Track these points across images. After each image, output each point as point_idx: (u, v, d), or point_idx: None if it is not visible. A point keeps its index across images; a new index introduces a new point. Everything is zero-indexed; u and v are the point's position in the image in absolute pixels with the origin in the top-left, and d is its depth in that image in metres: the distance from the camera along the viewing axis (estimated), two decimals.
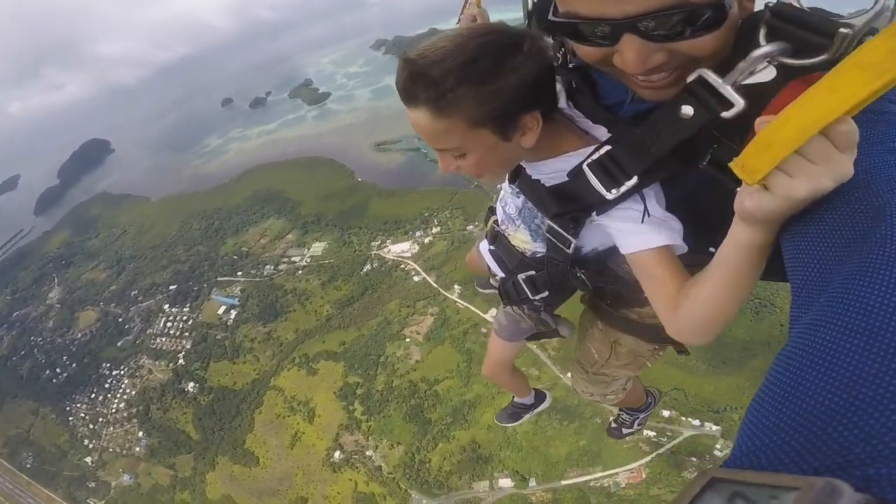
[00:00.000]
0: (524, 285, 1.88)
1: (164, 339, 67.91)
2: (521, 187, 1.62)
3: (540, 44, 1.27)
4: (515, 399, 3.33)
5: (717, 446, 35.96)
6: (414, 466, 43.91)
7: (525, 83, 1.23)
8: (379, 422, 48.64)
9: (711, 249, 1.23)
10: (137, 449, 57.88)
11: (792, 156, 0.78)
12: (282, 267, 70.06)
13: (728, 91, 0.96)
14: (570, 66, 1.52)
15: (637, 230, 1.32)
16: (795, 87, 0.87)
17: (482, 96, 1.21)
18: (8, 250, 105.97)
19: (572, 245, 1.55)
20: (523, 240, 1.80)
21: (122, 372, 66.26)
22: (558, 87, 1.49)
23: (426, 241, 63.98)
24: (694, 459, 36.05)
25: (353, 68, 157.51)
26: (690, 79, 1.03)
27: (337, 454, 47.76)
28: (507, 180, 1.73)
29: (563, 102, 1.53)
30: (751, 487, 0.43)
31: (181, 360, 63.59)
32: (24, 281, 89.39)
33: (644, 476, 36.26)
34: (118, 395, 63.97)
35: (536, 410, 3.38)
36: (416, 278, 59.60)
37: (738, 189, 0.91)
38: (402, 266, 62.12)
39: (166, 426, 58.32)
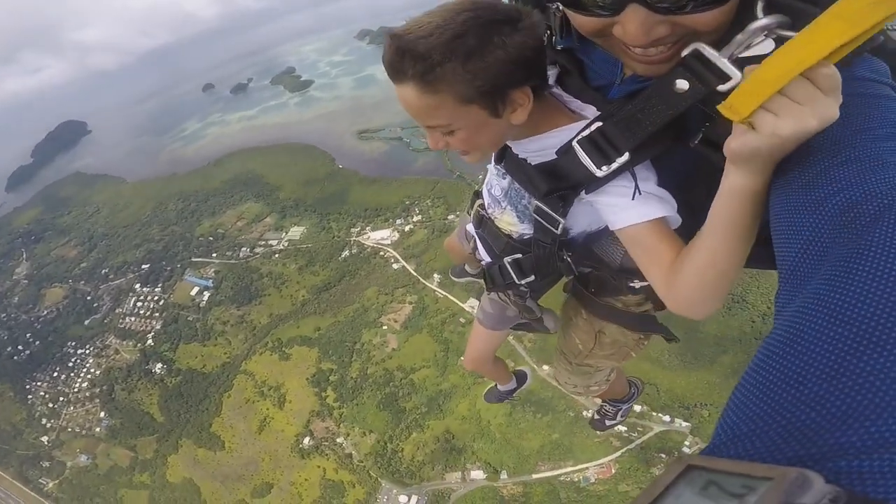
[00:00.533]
0: (510, 269, 1.84)
1: (133, 318, 65.98)
2: (507, 168, 1.59)
3: (530, 19, 1.23)
4: (499, 386, 3.34)
5: (686, 443, 35.84)
6: (386, 455, 43.16)
7: (514, 58, 1.20)
8: (352, 409, 47.73)
9: None
10: (98, 429, 56.15)
11: (777, 96, 0.81)
12: (258, 250, 68.69)
13: (725, 64, 0.96)
14: (558, 47, 1.45)
15: (628, 205, 1.29)
16: None
17: (470, 72, 1.18)
18: None
19: (560, 225, 1.51)
20: (510, 222, 1.75)
21: (88, 351, 64.25)
22: (548, 66, 1.44)
23: (406, 229, 63.25)
24: (663, 456, 35.91)
25: (337, 57, 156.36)
26: (686, 52, 1.02)
27: (307, 440, 46.77)
28: (492, 161, 1.68)
29: (551, 83, 1.47)
30: (725, 476, 0.44)
31: (150, 341, 61.87)
32: None
33: (613, 472, 36.10)
34: (82, 375, 62.02)
35: (521, 390, 3.43)
36: (395, 266, 58.78)
37: (729, 137, 0.92)
38: (382, 253, 61.25)
39: (130, 407, 56.59)
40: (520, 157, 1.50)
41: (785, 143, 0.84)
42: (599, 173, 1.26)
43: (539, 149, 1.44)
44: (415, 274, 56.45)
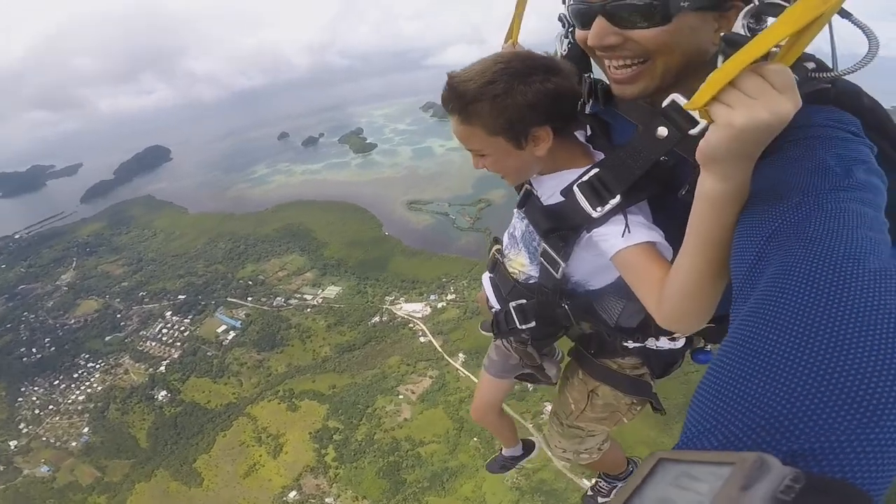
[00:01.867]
0: (514, 314, 1.97)
1: (154, 343, 66.23)
2: (526, 212, 1.78)
3: (556, 72, 1.49)
4: (504, 451, 3.28)
5: None
6: None
7: (534, 102, 1.44)
8: (349, 471, 44.97)
9: None
10: (73, 444, 54.09)
11: (730, 90, 0.90)
12: (292, 301, 69.79)
13: (693, 111, 1.05)
14: (587, 111, 1.64)
15: (620, 234, 1.40)
16: None
17: (495, 110, 1.45)
18: (43, 227, 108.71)
19: (560, 269, 1.67)
20: (521, 263, 1.90)
21: (98, 366, 63.94)
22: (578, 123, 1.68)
23: (439, 305, 63.67)
24: None
25: (402, 125, 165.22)
26: (665, 103, 1.14)
27: (293, 494, 43.79)
28: (516, 206, 1.89)
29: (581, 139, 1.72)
30: (694, 465, 0.48)
31: (162, 368, 61.39)
32: (44, 258, 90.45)
33: None
34: (82, 388, 61.15)
35: (526, 460, 3.34)
36: (422, 339, 58.49)
37: None
38: (411, 325, 61.30)
39: (118, 428, 54.80)
40: (539, 198, 1.69)
41: (741, 133, 0.90)
42: (595, 214, 1.42)
43: (552, 186, 1.61)
44: (440, 350, 55.81)
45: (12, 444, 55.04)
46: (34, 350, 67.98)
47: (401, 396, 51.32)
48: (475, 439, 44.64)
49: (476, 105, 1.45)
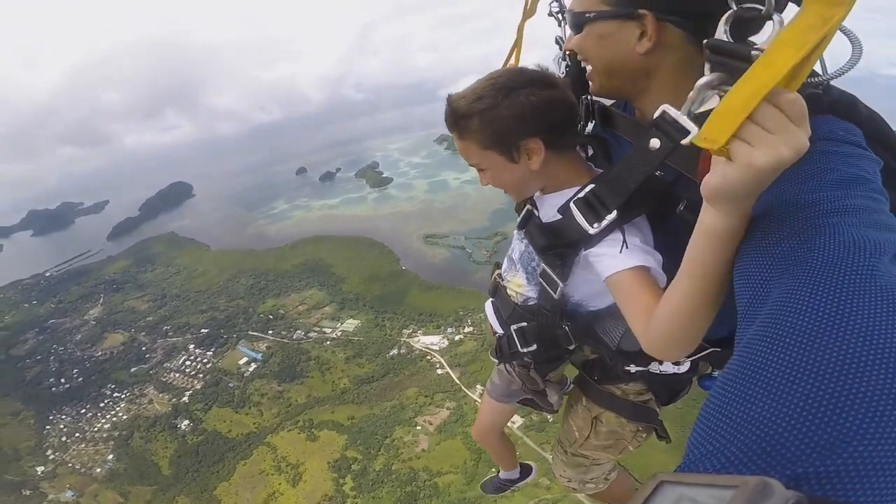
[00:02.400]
0: (515, 337, 1.92)
1: (177, 374, 68.22)
2: (525, 233, 1.77)
3: (545, 85, 1.51)
4: (501, 474, 3.30)
5: None
6: None
7: (520, 114, 1.46)
8: (367, 501, 45.63)
9: None
10: (98, 470, 55.44)
11: (749, 125, 0.84)
12: (312, 335, 71.58)
13: (684, 119, 1.05)
14: (585, 132, 1.64)
15: (615, 255, 1.40)
16: None
17: (483, 123, 1.50)
18: (72, 265, 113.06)
19: (559, 289, 1.64)
20: (519, 283, 1.87)
21: (124, 396, 65.99)
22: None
23: (457, 338, 64.78)
24: None
25: (417, 158, 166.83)
26: (657, 114, 1.14)
27: None
28: (517, 227, 1.88)
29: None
30: (695, 488, 0.47)
31: (185, 398, 63.07)
32: (73, 294, 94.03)
33: None
34: (108, 416, 62.95)
35: (521, 484, 3.35)
36: (439, 371, 59.51)
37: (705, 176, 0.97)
38: (429, 358, 62.41)
39: (141, 455, 56.13)
40: (539, 217, 1.69)
41: (761, 174, 0.85)
42: (592, 230, 1.41)
43: (555, 203, 1.59)
44: (458, 382, 56.81)
45: (39, 469, 56.52)
46: (63, 380, 70.30)
47: (418, 427, 52.17)
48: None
49: (467, 120, 1.51)
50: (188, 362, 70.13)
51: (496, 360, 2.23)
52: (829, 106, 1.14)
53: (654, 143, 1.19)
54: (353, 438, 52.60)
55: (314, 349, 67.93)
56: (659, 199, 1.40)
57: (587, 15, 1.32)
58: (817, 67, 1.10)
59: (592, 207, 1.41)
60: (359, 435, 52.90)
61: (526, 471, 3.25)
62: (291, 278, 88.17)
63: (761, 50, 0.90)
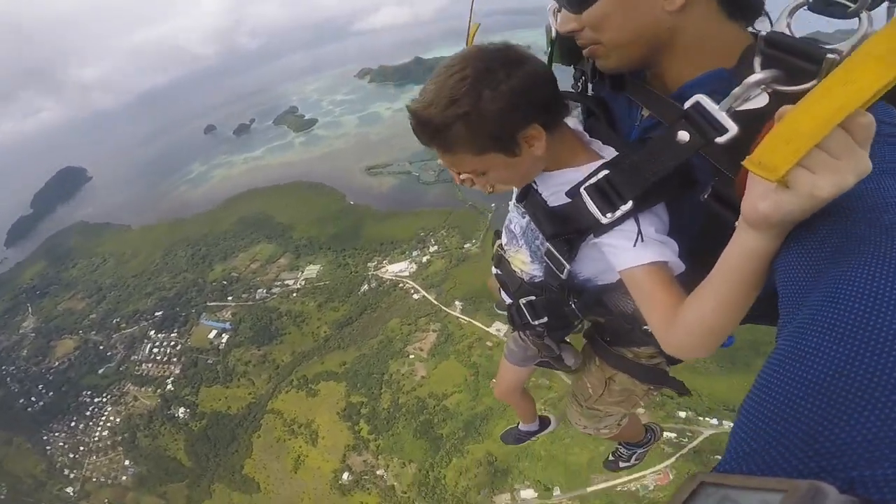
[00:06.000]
0: (525, 310, 1.92)
1: (150, 365, 65.87)
2: (527, 207, 1.64)
3: (517, 62, 1.31)
4: (521, 426, 3.38)
5: None
6: (429, 484, 43.53)
7: (509, 104, 1.28)
8: (388, 440, 48.27)
9: None
10: (124, 478, 55.63)
11: (815, 151, 0.75)
12: (275, 290, 69.37)
13: (723, 116, 0.99)
14: (590, 94, 1.62)
15: (629, 248, 1.33)
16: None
17: (471, 129, 1.29)
18: None
19: (566, 270, 1.56)
20: (523, 261, 1.81)
21: (105, 399, 63.89)
22: (575, 113, 1.60)
23: (424, 260, 64.82)
24: (718, 457, 36.64)
25: (339, 96, 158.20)
26: (688, 104, 1.07)
27: (345, 476, 47.00)
28: (514, 198, 1.76)
29: (578, 126, 1.59)
30: (738, 491, 0.45)
31: (170, 386, 61.78)
32: None
33: (671, 477, 36.86)
34: (101, 423, 61.50)
35: (541, 435, 3.43)
36: (415, 296, 60.09)
37: (746, 194, 0.90)
38: (401, 285, 62.53)
39: (155, 454, 56.23)
40: (541, 195, 1.55)
41: (820, 204, 0.79)
42: (604, 220, 1.32)
43: (556, 184, 1.49)
44: (436, 303, 57.82)
45: (69, 490, 56.25)
46: (33, 399, 67.09)
47: (411, 356, 53.93)
48: (493, 381, 48.22)
49: (448, 132, 1.31)
50: (155, 350, 67.55)
51: (511, 329, 2.23)
52: None
53: (683, 135, 1.10)
54: (352, 383, 54.14)
55: (282, 304, 66.35)
56: (680, 186, 1.30)
57: None
58: None
59: (606, 196, 1.32)
60: (356, 378, 54.35)
61: (545, 422, 3.39)
62: (233, 238, 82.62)
63: (838, 54, 0.81)
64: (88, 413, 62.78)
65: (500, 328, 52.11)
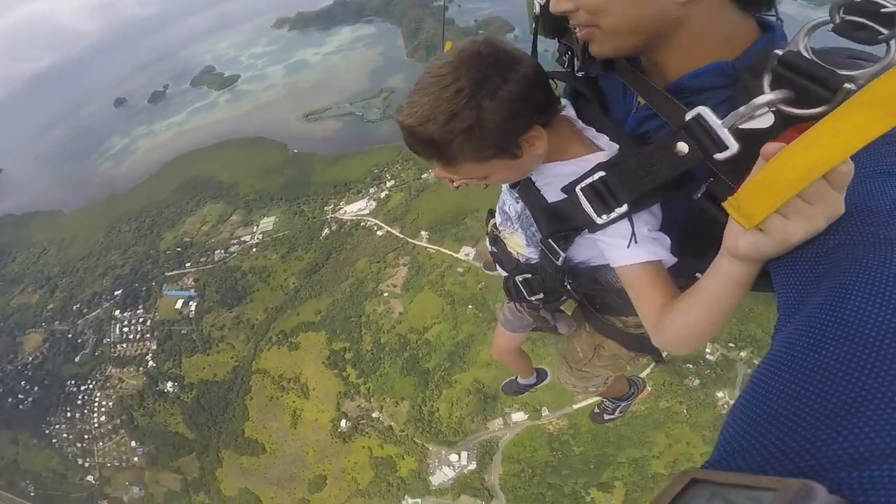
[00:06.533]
0: (521, 287, 1.97)
1: (125, 345, 63.94)
2: (521, 194, 1.64)
3: (510, 64, 1.26)
4: (519, 379, 3.53)
5: (707, 350, 37.86)
6: (424, 419, 44.37)
7: (510, 112, 1.26)
8: (377, 382, 48.41)
9: (698, 275, 1.23)
10: (136, 459, 56.05)
11: (792, 199, 0.78)
12: (233, 249, 65.98)
13: (724, 134, 0.99)
14: (579, 74, 1.56)
15: (624, 247, 1.35)
16: (791, 135, 0.84)
17: (475, 143, 1.27)
18: None
19: (561, 258, 1.60)
20: (518, 244, 1.86)
21: (91, 386, 62.61)
22: (564, 99, 1.54)
23: (382, 195, 62.34)
24: (690, 366, 37.92)
25: (258, 48, 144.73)
26: (689, 116, 1.06)
27: (343, 423, 47.67)
28: (508, 185, 1.76)
29: (570, 111, 1.55)
30: (729, 489, 0.45)
31: (151, 363, 60.45)
32: None
33: (650, 388, 37.77)
34: (95, 410, 60.80)
35: (539, 386, 3.58)
36: (379, 233, 57.91)
37: (729, 227, 0.93)
38: (363, 224, 60.07)
39: (157, 431, 56.29)
40: (536, 184, 1.54)
41: (793, 247, 0.83)
42: (599, 221, 1.34)
43: (551, 175, 1.49)
44: (402, 236, 55.75)
45: (90, 478, 56.93)
46: (21, 396, 65.63)
47: (386, 294, 52.64)
48: (470, 307, 47.93)
49: (450, 148, 1.29)
50: (126, 329, 65.14)
51: (507, 298, 2.29)
52: None
53: (682, 147, 1.11)
54: (331, 330, 53.18)
55: (244, 262, 63.37)
56: (675, 187, 1.30)
57: None
58: None
59: (601, 197, 1.34)
60: (334, 325, 53.34)
61: (542, 375, 3.52)
62: (177, 205, 76.83)
63: (854, 83, 0.81)
64: (80, 402, 61.66)
65: (468, 253, 50.94)
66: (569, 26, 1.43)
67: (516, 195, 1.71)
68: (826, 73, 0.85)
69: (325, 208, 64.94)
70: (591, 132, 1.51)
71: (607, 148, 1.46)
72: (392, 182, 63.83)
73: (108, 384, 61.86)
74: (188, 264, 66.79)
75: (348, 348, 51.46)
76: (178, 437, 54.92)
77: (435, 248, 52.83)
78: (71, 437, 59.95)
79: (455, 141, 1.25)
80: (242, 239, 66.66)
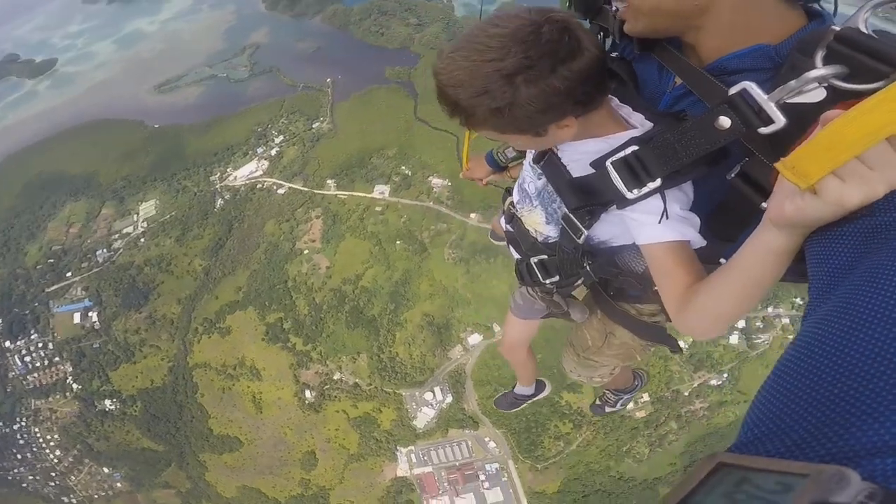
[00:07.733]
0: (536, 269, 1.91)
1: (35, 374, 56.95)
2: (544, 169, 1.59)
3: (567, 56, 1.19)
4: (517, 388, 3.43)
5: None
6: (386, 367, 43.86)
7: (545, 104, 1.22)
8: (326, 343, 46.63)
9: (722, 260, 1.23)
10: (118, 484, 53.08)
11: (851, 162, 0.74)
12: (117, 245, 57.55)
13: (771, 108, 0.95)
14: (613, 55, 1.55)
15: (654, 224, 1.31)
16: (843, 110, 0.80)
17: (499, 120, 1.27)
18: None
19: (583, 236, 1.55)
20: (537, 221, 1.79)
21: (23, 423, 56.75)
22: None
23: (273, 153, 55.87)
24: None
25: (74, 27, 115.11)
26: (734, 91, 1.02)
27: (308, 394, 46.39)
28: (530, 159, 1.71)
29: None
30: (758, 473, 0.43)
31: (75, 385, 54.82)
32: None
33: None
34: (45, 445, 55.87)
35: (535, 399, 3.45)
36: (280, 191, 52.40)
37: (774, 194, 0.89)
38: (259, 186, 53.87)
39: (123, 452, 52.83)
40: (561, 160, 1.49)
41: (847, 212, 0.78)
42: (630, 196, 1.30)
43: (583, 152, 1.43)
44: (306, 189, 50.71)
45: None
46: None
47: (306, 251, 48.94)
48: (398, 242, 46.00)
49: (473, 116, 1.29)
50: (27, 358, 57.76)
51: (519, 284, 2.30)
52: None
53: (724, 121, 1.07)
54: (260, 304, 49.48)
55: (135, 256, 55.70)
56: (710, 164, 1.27)
57: None
58: None
59: (634, 172, 1.29)
60: (260, 298, 49.56)
61: (541, 387, 3.51)
62: (28, 211, 64.33)
63: None
64: (22, 442, 56.25)
65: (383, 191, 47.75)
66: (604, 6, 1.46)
67: (539, 171, 1.63)
68: (887, 48, 0.81)
69: (211, 178, 57.34)
70: (626, 110, 1.47)
71: (641, 126, 1.40)
72: (281, 137, 57.26)
73: (39, 417, 56.10)
74: (69, 273, 58.09)
75: (284, 318, 48.42)
76: (148, 451, 51.91)
77: (346, 193, 48.80)
78: (38, 477, 55.54)
79: (479, 113, 1.24)
80: (124, 232, 58.11)
